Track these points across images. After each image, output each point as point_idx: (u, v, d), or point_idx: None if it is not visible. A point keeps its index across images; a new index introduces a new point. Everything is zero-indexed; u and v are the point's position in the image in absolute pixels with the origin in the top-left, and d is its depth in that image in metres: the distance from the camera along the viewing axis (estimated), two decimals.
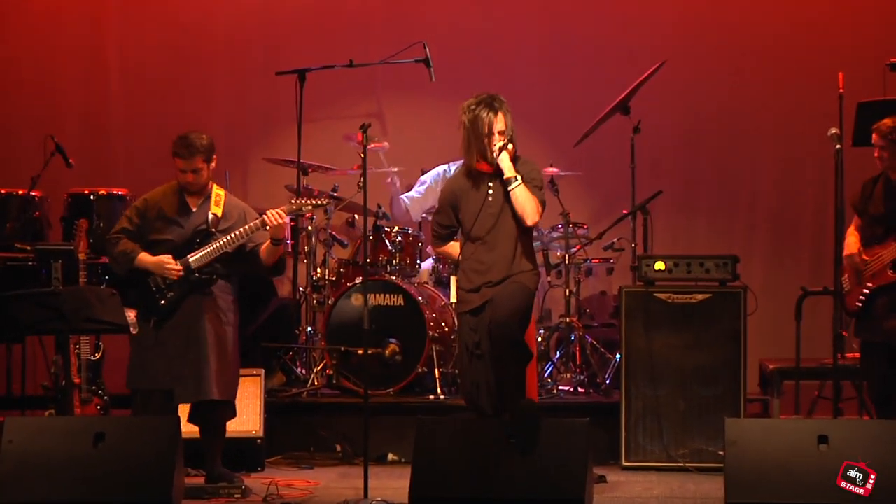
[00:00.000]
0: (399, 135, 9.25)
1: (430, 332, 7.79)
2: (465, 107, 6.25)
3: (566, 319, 8.16)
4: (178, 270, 6.44)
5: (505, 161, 6.20)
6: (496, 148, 6.19)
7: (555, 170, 8.35)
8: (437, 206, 6.54)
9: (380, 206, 8.43)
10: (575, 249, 8.24)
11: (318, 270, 8.28)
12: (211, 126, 9.47)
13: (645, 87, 8.11)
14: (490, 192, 6.26)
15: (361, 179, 7.34)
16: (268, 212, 6.44)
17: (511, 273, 6.23)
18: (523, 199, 6.17)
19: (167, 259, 6.46)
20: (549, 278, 8.33)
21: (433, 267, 8.35)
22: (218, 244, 6.48)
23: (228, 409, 6.58)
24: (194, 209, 6.56)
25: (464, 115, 6.24)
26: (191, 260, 6.47)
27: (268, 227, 6.43)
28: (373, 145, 8.04)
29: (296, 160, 8.13)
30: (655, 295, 7.25)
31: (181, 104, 9.47)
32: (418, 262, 8.27)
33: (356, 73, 8.48)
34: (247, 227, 6.49)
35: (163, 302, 6.44)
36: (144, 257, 6.49)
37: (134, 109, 9.48)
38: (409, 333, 7.80)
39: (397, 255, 8.14)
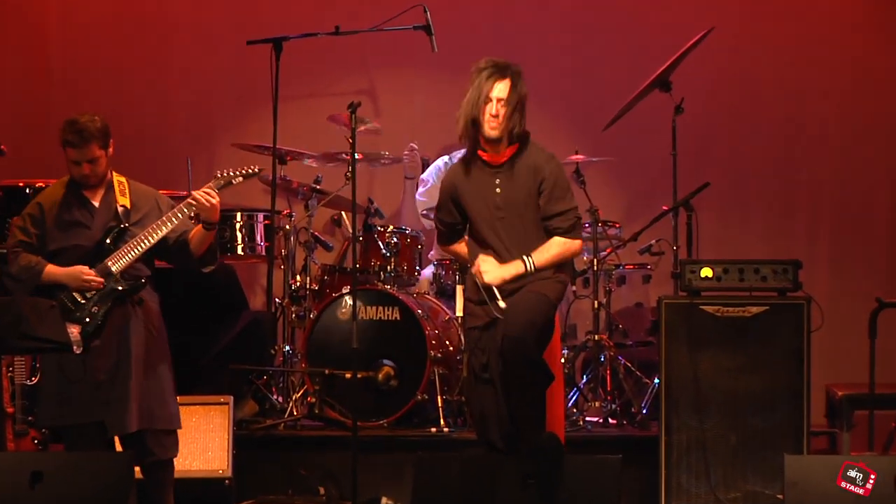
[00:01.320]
0: (394, 116, 9.24)
1: (432, 353, 7.77)
2: (474, 67, 6.26)
3: (594, 337, 8.14)
4: (99, 282, 6.37)
5: (494, 290, 6.19)
6: (476, 273, 6.22)
7: (581, 157, 8.33)
8: (437, 202, 6.55)
9: (371, 202, 8.41)
10: (605, 253, 8.22)
11: (298, 278, 8.27)
12: (171, 106, 9.53)
13: (689, 58, 8.07)
14: (497, 188, 6.24)
15: (349, 169, 7.31)
16: (195, 193, 6.39)
17: (528, 280, 6.22)
18: (559, 260, 6.28)
19: (83, 269, 6.37)
20: (574, 287, 8.29)
21: (435, 274, 8.32)
22: (138, 241, 6.40)
23: (172, 441, 6.52)
24: (97, 204, 6.50)
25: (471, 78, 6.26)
26: (112, 266, 6.39)
27: (195, 211, 6.37)
28: (363, 128, 8.03)
29: (271, 146, 8.10)
30: (701, 307, 7.22)
31: (134, 81, 9.48)
32: (417, 268, 8.25)
33: (343, 42, 8.46)
34: (171, 214, 6.42)
35: (87, 320, 6.37)
36: (53, 269, 6.40)
37: (78, 87, 9.48)
38: (406, 353, 7.78)
39: (392, 259, 8.11)
